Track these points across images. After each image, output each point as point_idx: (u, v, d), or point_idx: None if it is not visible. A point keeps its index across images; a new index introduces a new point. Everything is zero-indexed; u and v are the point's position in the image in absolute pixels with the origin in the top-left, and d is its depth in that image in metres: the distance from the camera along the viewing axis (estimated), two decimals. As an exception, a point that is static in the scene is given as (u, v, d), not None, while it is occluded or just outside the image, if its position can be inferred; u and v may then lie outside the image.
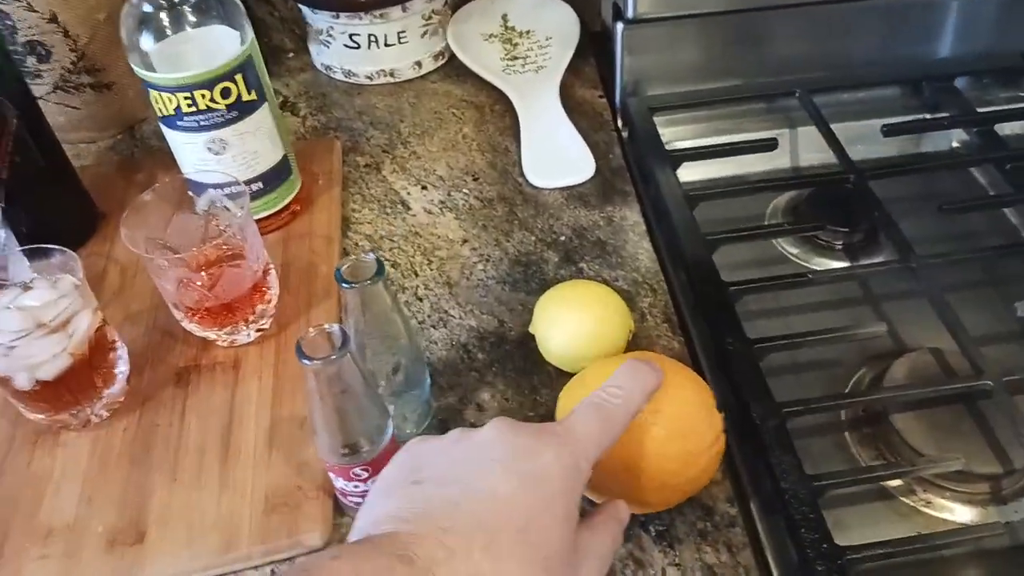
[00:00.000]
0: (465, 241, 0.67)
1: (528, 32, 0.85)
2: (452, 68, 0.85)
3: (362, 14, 0.78)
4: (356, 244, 0.67)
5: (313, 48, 0.86)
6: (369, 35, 0.80)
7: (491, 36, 0.85)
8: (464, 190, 0.71)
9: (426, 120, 0.79)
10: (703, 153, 0.71)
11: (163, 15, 0.55)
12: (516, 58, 0.83)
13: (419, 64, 0.83)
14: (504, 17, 0.86)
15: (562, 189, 0.70)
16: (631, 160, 0.73)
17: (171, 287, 0.54)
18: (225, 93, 0.57)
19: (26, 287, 0.52)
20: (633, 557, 0.47)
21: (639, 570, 0.46)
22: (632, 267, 0.63)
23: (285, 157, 0.64)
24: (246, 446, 0.52)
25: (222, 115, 0.57)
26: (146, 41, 0.55)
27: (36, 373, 0.49)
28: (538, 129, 0.74)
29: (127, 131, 0.80)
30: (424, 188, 0.72)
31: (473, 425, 0.53)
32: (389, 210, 0.70)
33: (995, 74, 0.79)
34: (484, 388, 0.56)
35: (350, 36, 0.80)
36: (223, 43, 0.57)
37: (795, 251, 0.68)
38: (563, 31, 0.84)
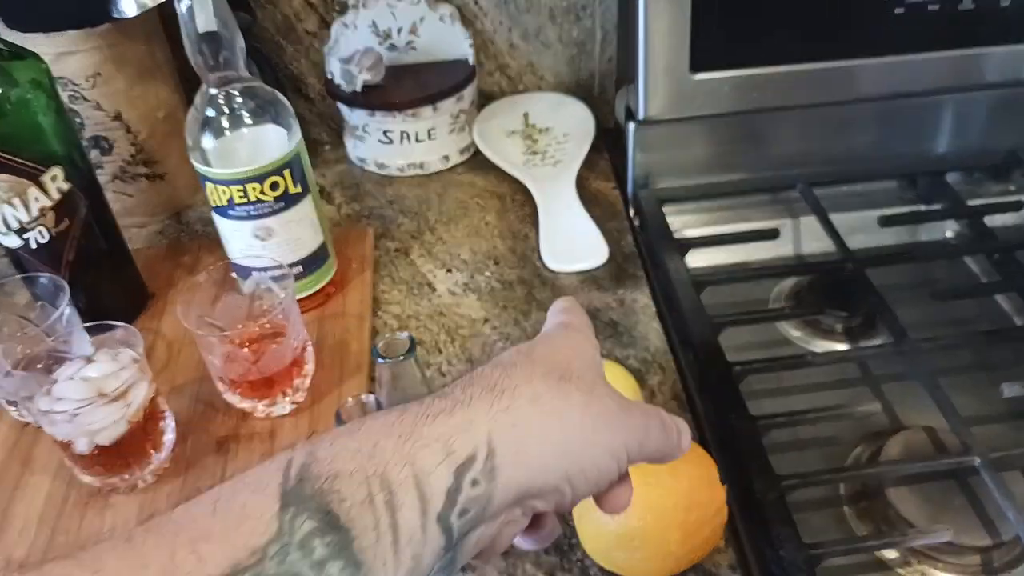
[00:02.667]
0: (486, 320, 0.72)
1: (547, 129, 0.92)
2: (477, 161, 0.92)
3: (396, 113, 0.85)
4: (385, 323, 0.72)
5: (348, 142, 0.93)
6: (401, 132, 0.87)
7: (513, 132, 0.92)
8: (486, 273, 0.77)
9: (452, 208, 0.85)
10: (709, 241, 0.77)
11: (223, 118, 0.62)
12: (536, 153, 0.89)
13: (447, 158, 0.90)
14: (525, 116, 0.94)
15: (577, 273, 0.76)
16: (642, 247, 0.78)
17: (218, 361, 0.59)
18: (274, 186, 0.63)
19: (88, 360, 0.57)
20: (641, 620, 0.50)
21: (646, 633, 0.49)
22: (642, 347, 0.68)
23: (324, 243, 0.70)
24: (281, 510, 0.56)
25: (270, 206, 0.64)
26: (206, 140, 0.62)
27: (96, 439, 0.54)
28: (556, 217, 0.80)
29: (174, 216, 0.87)
30: (449, 271, 0.77)
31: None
32: (416, 291, 0.75)
33: (985, 170, 0.84)
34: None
35: (384, 132, 0.87)
36: (273, 141, 0.64)
37: (797, 334, 0.72)
38: (579, 128, 0.91)
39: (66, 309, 0.59)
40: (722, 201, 0.82)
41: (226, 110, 0.62)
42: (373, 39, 0.88)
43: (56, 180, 0.62)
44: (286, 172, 0.63)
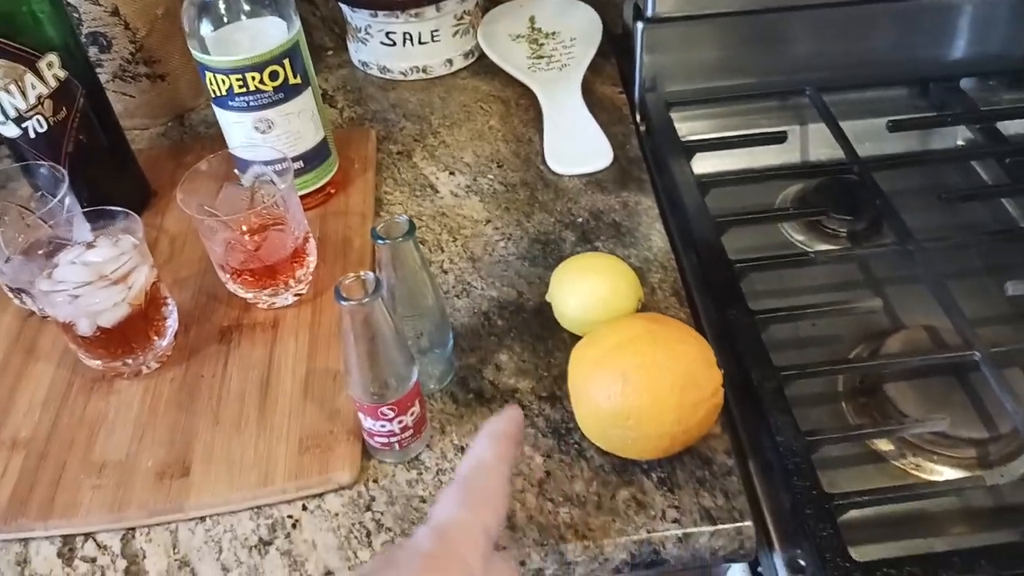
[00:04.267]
0: (488, 221, 0.71)
1: (553, 33, 0.90)
2: (481, 66, 0.90)
3: (399, 13, 0.83)
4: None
5: (351, 46, 0.91)
6: (404, 33, 0.85)
7: (519, 36, 0.90)
8: (489, 176, 0.76)
9: (455, 113, 0.84)
10: (716, 144, 0.76)
11: (221, 4, 0.61)
12: (541, 57, 0.87)
13: (450, 61, 0.88)
14: (531, 19, 0.91)
15: (581, 176, 0.75)
16: (647, 151, 0.77)
17: (219, 249, 0.59)
18: (273, 76, 0.62)
19: (89, 245, 0.57)
20: (635, 499, 0.50)
21: (640, 511, 0.50)
22: (645, 247, 0.67)
23: (325, 140, 0.69)
24: (283, 395, 0.57)
25: (270, 96, 0.63)
26: (205, 28, 0.61)
27: (98, 320, 0.54)
28: (560, 121, 0.79)
29: (177, 119, 0.86)
30: (452, 173, 0.76)
31: (492, 384, 0.58)
32: (419, 193, 0.75)
33: (1001, 76, 0.82)
34: (502, 351, 0.60)
35: (386, 34, 0.85)
36: (273, 31, 0.62)
37: (801, 238, 0.71)
38: (586, 32, 0.89)
39: (66, 197, 0.59)
40: (730, 106, 0.81)
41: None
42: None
43: (52, 67, 0.61)
44: (285, 62, 0.62)
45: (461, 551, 0.35)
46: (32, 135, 0.63)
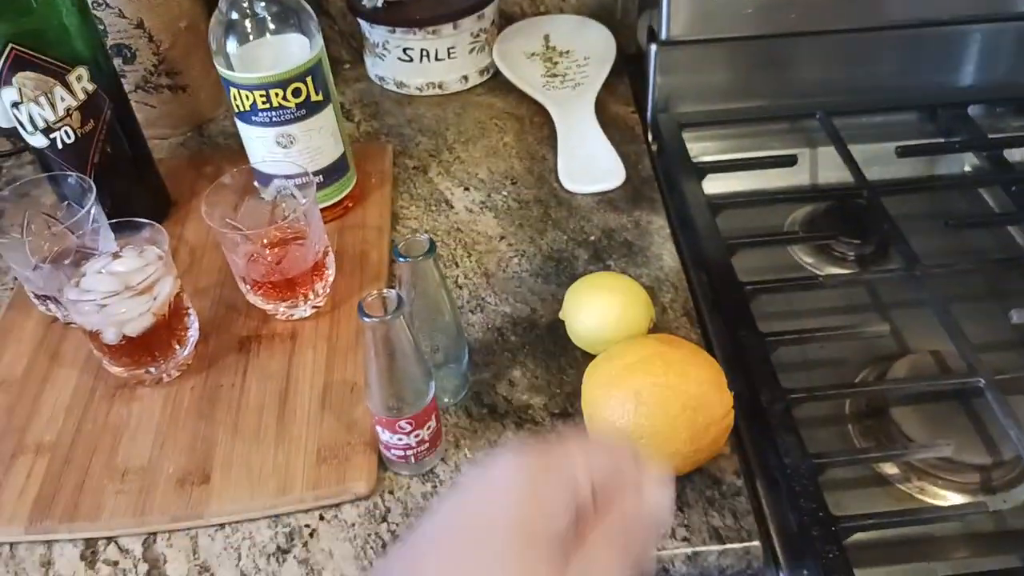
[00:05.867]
0: (502, 237, 0.72)
1: (567, 52, 0.91)
2: (496, 82, 0.91)
3: (416, 30, 0.85)
4: (404, 236, 0.73)
5: (368, 60, 0.93)
6: (421, 50, 0.87)
7: (533, 55, 0.91)
8: (503, 192, 0.77)
9: (470, 128, 0.85)
10: (727, 166, 0.77)
11: (247, 22, 0.62)
12: (556, 75, 0.89)
13: (466, 78, 0.90)
14: (546, 38, 0.93)
15: (594, 194, 0.76)
16: (659, 171, 0.78)
17: (241, 261, 0.60)
18: (296, 92, 0.63)
19: (115, 256, 0.58)
20: (646, 517, 0.51)
21: (651, 528, 0.51)
22: (656, 266, 0.69)
23: (344, 155, 0.70)
24: (301, 406, 0.58)
25: (292, 112, 0.64)
26: (230, 45, 0.62)
27: (123, 329, 0.55)
28: (574, 139, 0.80)
29: (196, 130, 0.87)
30: (466, 189, 0.78)
31: (505, 399, 0.59)
32: (434, 208, 0.76)
33: (1008, 103, 0.83)
34: (516, 367, 0.61)
35: (404, 50, 0.87)
36: (296, 48, 0.64)
37: (810, 260, 0.72)
38: (600, 51, 0.90)
39: (93, 207, 0.60)
40: (741, 128, 0.82)
41: (250, 14, 0.62)
42: (398, -46, 0.87)
43: (81, 80, 0.63)
44: (308, 79, 0.64)
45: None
46: (59, 146, 0.64)
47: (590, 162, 0.78)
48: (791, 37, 0.79)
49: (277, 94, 0.63)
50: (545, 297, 0.67)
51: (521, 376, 0.61)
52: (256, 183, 0.66)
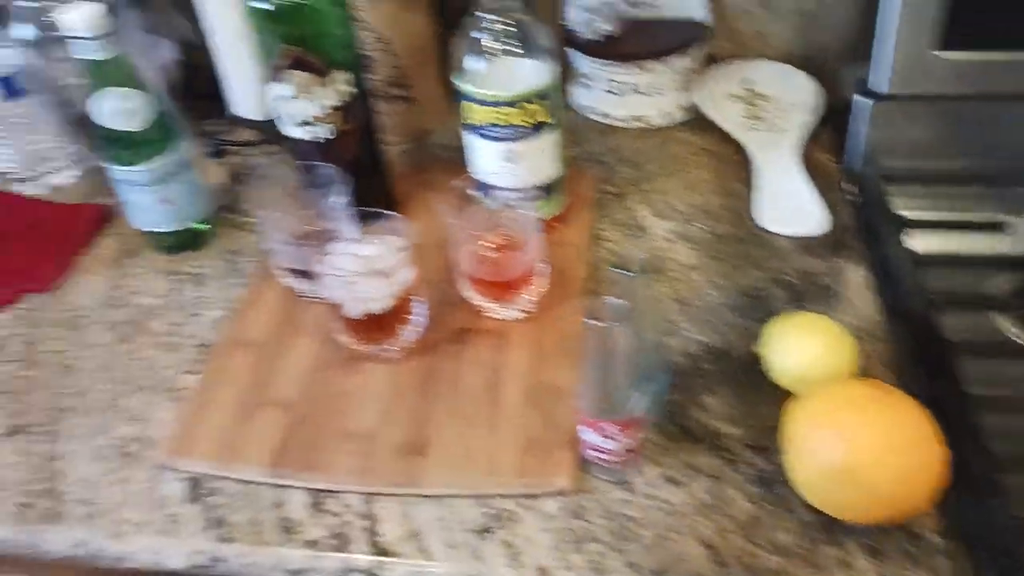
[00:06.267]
0: (697, 268, 0.75)
1: (769, 97, 0.94)
2: (696, 120, 0.94)
3: (627, 64, 0.89)
4: (602, 258, 0.77)
5: (573, 89, 0.98)
6: (629, 84, 0.91)
7: (734, 96, 0.94)
8: (699, 224, 0.80)
9: (669, 162, 0.89)
10: (932, 224, 0.77)
11: (490, 43, 0.68)
12: (758, 118, 0.91)
13: (668, 114, 0.94)
14: (748, 81, 0.96)
15: (793, 237, 0.78)
16: (860, 221, 0.79)
17: (465, 258, 0.66)
18: (530, 113, 0.69)
19: (358, 241, 0.65)
20: (843, 561, 0.53)
21: (845, 572, 0.52)
22: (855, 315, 0.69)
23: (561, 176, 0.76)
24: (510, 399, 0.63)
25: (523, 131, 0.70)
26: (473, 62, 0.69)
27: (366, 306, 0.62)
28: (776, 180, 0.82)
29: (417, 140, 0.95)
30: (663, 218, 0.81)
31: (699, 423, 0.62)
32: (631, 233, 0.80)
33: None
34: (709, 393, 0.64)
35: (610, 82, 0.92)
36: (532, 71, 0.69)
37: (1015, 331, 0.71)
38: (804, 99, 0.92)
39: (342, 197, 0.68)
40: (948, 187, 0.81)
41: (494, 35, 0.68)
42: (617, -9, 0.92)
43: (345, 83, 0.70)
44: (543, 101, 0.69)
45: None
46: (319, 140, 0.72)
47: (790, 203, 0.80)
48: (1009, 100, 0.78)
49: (513, 113, 0.68)
50: (740, 330, 0.69)
51: (715, 403, 0.63)
52: (479, 191, 0.72)
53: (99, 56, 0.68)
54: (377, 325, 0.63)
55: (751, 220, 0.80)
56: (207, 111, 0.97)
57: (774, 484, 0.57)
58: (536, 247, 0.67)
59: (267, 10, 0.66)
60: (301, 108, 0.71)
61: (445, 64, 0.94)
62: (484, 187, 0.75)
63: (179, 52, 0.99)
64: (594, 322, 0.50)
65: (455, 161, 0.77)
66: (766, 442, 0.60)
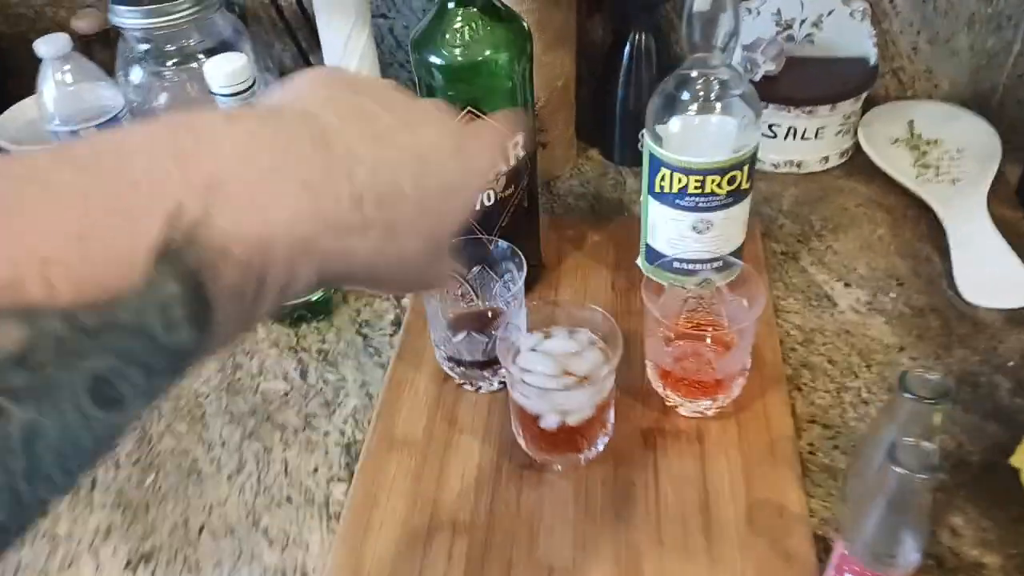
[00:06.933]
0: (902, 349, 0.66)
1: (936, 141, 0.84)
2: (854, 166, 0.85)
3: (791, 108, 0.80)
4: (788, 333, 0.68)
5: (712, 128, 0.89)
6: (790, 127, 0.82)
7: (897, 141, 0.85)
8: (890, 294, 0.71)
9: (836, 215, 0.80)
10: None
11: (690, 101, 0.59)
12: (927, 166, 0.82)
13: (826, 159, 0.84)
14: (911, 123, 0.86)
15: (1001, 310, 0.68)
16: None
17: (658, 349, 0.57)
18: (732, 180, 0.60)
19: (546, 334, 0.56)
20: None
21: None
22: (1100, 410, 0.60)
23: (744, 242, 0.66)
24: (727, 523, 0.53)
25: (720, 200, 0.61)
26: (671, 123, 0.59)
27: (566, 419, 0.53)
28: (970, 244, 0.73)
29: (545, 185, 0.86)
30: (847, 285, 0.72)
31: (951, 552, 0.53)
32: (815, 303, 0.71)
33: None
34: (956, 513, 0.55)
35: (770, 126, 0.82)
36: (727, 130, 0.60)
37: None
38: (978, 145, 0.82)
39: (518, 276, 0.59)
40: None
41: (697, 93, 0.59)
42: (773, 27, 0.83)
43: (517, 147, 0.61)
44: (746, 167, 0.60)
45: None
46: (476, 207, 0.63)
47: (993, 271, 0.71)
48: None
49: (714, 180, 0.59)
50: (969, 429, 0.60)
51: (964, 525, 0.54)
52: (648, 261, 0.63)
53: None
54: (572, 436, 0.54)
55: (950, 290, 0.71)
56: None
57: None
58: (748, 340, 0.58)
59: (443, 65, 0.57)
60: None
61: (579, 111, 0.85)
62: (656, 256, 0.66)
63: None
64: (901, 470, 0.41)
65: (584, 210, 0.69)
66: (1037, 575, 0.51)
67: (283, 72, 0.92)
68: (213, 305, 0.24)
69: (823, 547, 0.53)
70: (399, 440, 0.60)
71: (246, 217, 0.24)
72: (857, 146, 0.85)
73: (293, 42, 0.88)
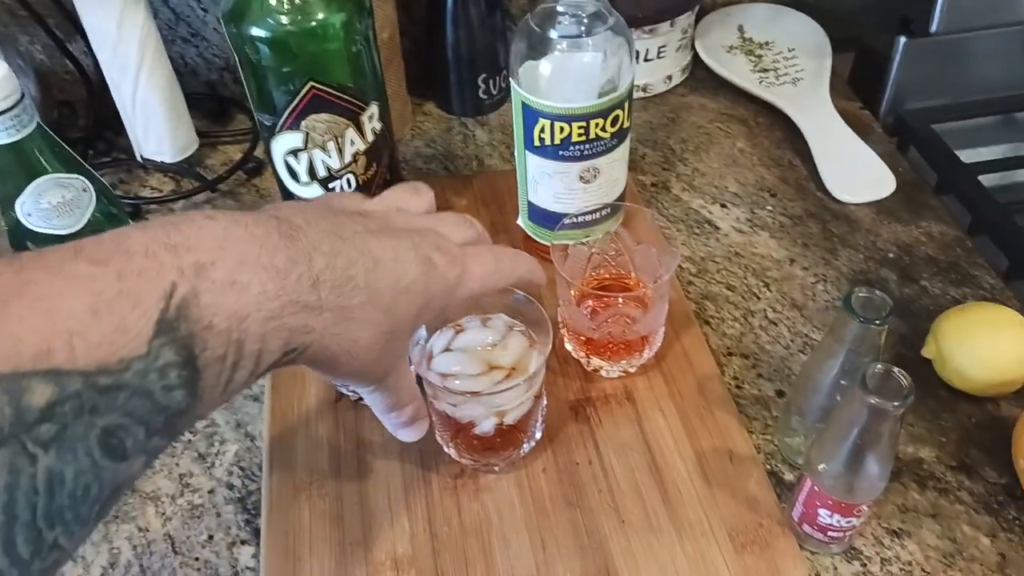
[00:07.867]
0: (792, 260, 0.66)
1: (768, 43, 0.84)
2: (696, 81, 0.84)
3: (634, 29, 0.76)
4: (680, 266, 0.66)
5: (550, 62, 0.84)
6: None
7: (732, 48, 0.84)
8: (767, 207, 0.70)
9: (693, 135, 0.78)
10: (1007, 165, 0.72)
11: (555, 39, 0.53)
12: (766, 70, 0.82)
13: (669, 78, 0.82)
14: (740, 28, 0.86)
15: (868, 204, 0.70)
16: (925, 171, 0.73)
17: (573, 315, 0.52)
18: (615, 121, 0.55)
19: (457, 328, 0.50)
20: None
21: None
22: (975, 284, 0.63)
23: (627, 183, 0.63)
24: (682, 483, 0.51)
25: (606, 143, 0.56)
26: (540, 66, 0.53)
27: (504, 419, 0.47)
28: (828, 143, 0.74)
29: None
30: (723, 206, 0.71)
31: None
32: (698, 231, 0.69)
33: None
34: (883, 413, 0.55)
35: (611, 51, 0.78)
36: (598, 66, 0.55)
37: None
38: (807, 42, 0.83)
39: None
40: (993, 119, 0.77)
41: (561, 28, 0.53)
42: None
43: (372, 119, 0.53)
44: (626, 104, 0.55)
45: (471, 278, 0.40)
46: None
47: (854, 167, 0.72)
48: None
49: (598, 124, 0.54)
50: (873, 328, 0.60)
51: (895, 424, 0.55)
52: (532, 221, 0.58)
53: (12, 137, 0.46)
54: (506, 434, 0.49)
55: (819, 192, 0.71)
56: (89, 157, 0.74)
57: (1002, 506, 0.50)
58: (665, 294, 0.54)
59: (269, 38, 0.47)
60: (319, 160, 0.53)
61: (408, 64, 0.77)
62: (541, 214, 0.61)
63: (39, 86, 0.75)
64: (876, 400, 0.39)
65: (438, 172, 0.67)
66: (966, 459, 0.53)
67: (39, 71, 0.75)
68: (202, 371, 0.29)
69: (776, 482, 0.52)
70: (303, 480, 0.52)
71: (226, 295, 0.29)
72: (695, 60, 0.84)
73: (44, 31, 0.72)
